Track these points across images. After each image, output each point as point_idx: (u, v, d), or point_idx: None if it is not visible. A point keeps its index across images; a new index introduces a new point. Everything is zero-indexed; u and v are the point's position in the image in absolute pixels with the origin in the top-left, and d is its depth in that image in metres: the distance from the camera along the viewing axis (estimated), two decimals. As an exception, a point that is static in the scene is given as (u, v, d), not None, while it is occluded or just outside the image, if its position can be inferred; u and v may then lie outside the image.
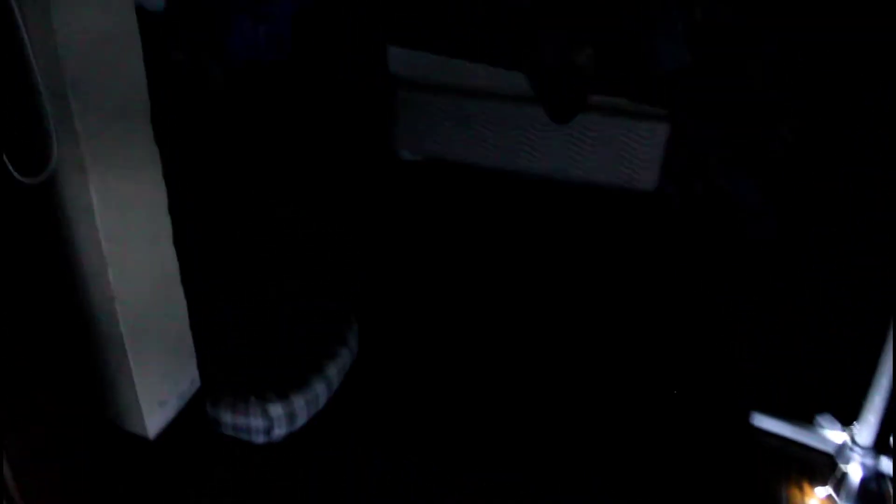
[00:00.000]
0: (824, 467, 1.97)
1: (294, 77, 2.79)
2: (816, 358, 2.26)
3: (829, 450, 2.01)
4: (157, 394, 1.82)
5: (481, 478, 1.93)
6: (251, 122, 2.68)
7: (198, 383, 1.97)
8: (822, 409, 2.07)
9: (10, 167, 1.37)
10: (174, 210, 1.80)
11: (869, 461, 1.95)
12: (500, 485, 1.92)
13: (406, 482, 1.92)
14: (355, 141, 2.94)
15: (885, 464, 1.92)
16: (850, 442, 1.98)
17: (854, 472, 1.94)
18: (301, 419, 2.04)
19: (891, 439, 1.97)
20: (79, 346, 1.67)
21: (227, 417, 1.99)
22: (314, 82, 2.83)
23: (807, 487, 1.95)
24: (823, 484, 1.94)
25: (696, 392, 2.22)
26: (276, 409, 1.99)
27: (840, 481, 1.94)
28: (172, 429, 1.86)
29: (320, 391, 2.08)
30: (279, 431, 2.01)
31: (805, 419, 2.06)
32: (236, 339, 2.13)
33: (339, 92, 2.88)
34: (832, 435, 2.00)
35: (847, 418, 2.00)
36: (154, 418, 1.82)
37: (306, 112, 2.80)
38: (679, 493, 1.95)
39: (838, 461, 1.99)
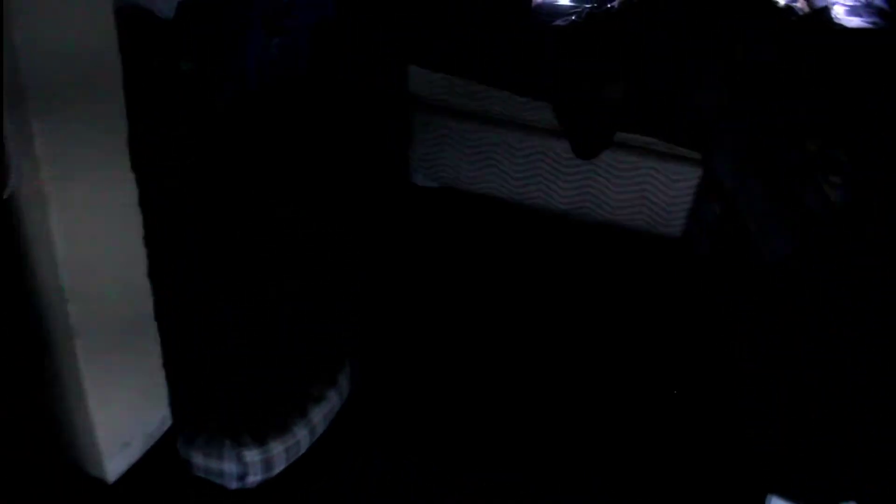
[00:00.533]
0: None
1: (308, 92, 2.65)
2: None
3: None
4: (120, 434, 1.69)
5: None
6: (259, 139, 2.54)
7: (168, 422, 1.83)
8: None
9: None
10: (151, 239, 1.67)
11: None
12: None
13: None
14: (367, 162, 2.80)
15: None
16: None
17: None
18: (279, 466, 1.90)
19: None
20: (33, 381, 1.55)
21: (199, 459, 1.85)
22: (329, 98, 2.69)
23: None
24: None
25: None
26: (252, 455, 1.85)
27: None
28: (136, 472, 1.73)
29: (302, 437, 1.94)
30: (254, 479, 1.87)
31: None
32: (214, 374, 1.99)
33: (355, 110, 2.74)
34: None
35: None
36: (115, 460, 1.69)
37: (318, 130, 2.67)
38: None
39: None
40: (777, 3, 2.58)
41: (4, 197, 1.34)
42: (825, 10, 2.53)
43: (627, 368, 2.29)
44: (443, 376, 2.22)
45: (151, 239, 1.65)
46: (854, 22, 2.48)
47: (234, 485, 1.87)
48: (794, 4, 2.62)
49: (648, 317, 2.46)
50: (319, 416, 2.00)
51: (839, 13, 2.60)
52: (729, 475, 1.98)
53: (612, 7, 2.62)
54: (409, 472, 1.94)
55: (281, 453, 1.90)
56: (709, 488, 1.96)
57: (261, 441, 1.87)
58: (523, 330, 2.38)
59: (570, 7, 2.68)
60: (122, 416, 1.69)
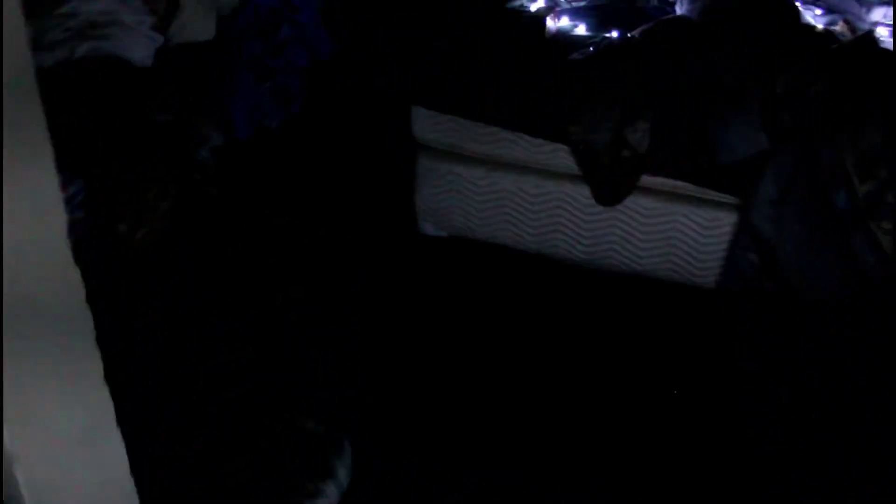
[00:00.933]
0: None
1: (302, 138, 2.43)
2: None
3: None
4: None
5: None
6: (247, 189, 2.33)
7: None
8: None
9: None
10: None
11: None
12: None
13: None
14: (368, 211, 2.57)
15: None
16: None
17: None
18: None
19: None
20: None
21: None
22: (324, 144, 2.47)
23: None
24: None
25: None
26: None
27: None
28: None
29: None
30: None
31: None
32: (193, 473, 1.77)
33: (353, 155, 2.52)
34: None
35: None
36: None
37: (313, 178, 2.45)
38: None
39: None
40: (816, 28, 2.34)
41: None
42: (870, 34, 2.28)
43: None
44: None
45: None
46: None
47: None
48: (833, 29, 2.38)
49: (675, 367, 2.27)
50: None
51: (883, 35, 2.37)
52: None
53: (632, 37, 2.40)
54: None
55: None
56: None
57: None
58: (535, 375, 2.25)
59: (587, 38, 2.46)
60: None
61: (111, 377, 1.72)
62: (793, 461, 1.98)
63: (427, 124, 2.49)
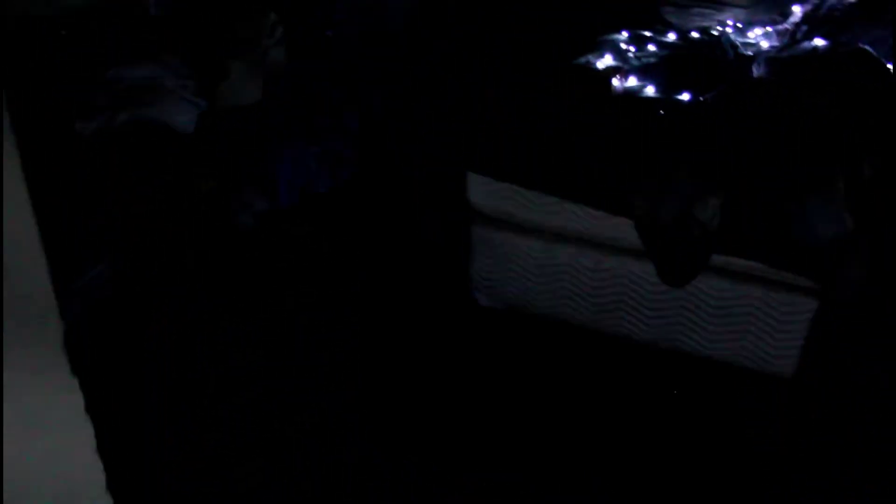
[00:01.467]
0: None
1: (352, 203, 2.32)
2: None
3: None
4: None
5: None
6: (291, 256, 2.22)
7: None
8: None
9: None
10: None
11: None
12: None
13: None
14: (421, 280, 2.43)
15: None
16: None
17: None
18: None
19: None
20: None
21: None
22: (375, 210, 2.35)
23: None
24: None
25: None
26: None
27: None
28: None
29: None
30: None
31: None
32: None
33: (405, 222, 2.39)
34: None
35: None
36: None
37: (362, 246, 2.32)
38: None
39: None
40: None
41: None
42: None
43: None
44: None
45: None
46: None
47: None
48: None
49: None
50: None
51: None
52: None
53: (705, 100, 2.23)
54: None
55: None
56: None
57: None
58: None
59: (656, 100, 2.29)
60: None
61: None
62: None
63: (482, 191, 2.35)
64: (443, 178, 2.39)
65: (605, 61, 2.46)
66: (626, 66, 2.45)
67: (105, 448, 1.71)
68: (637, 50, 2.53)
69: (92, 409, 1.30)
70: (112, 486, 1.36)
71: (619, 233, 2.23)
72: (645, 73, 2.42)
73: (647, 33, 2.61)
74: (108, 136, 2.00)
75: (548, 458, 1.98)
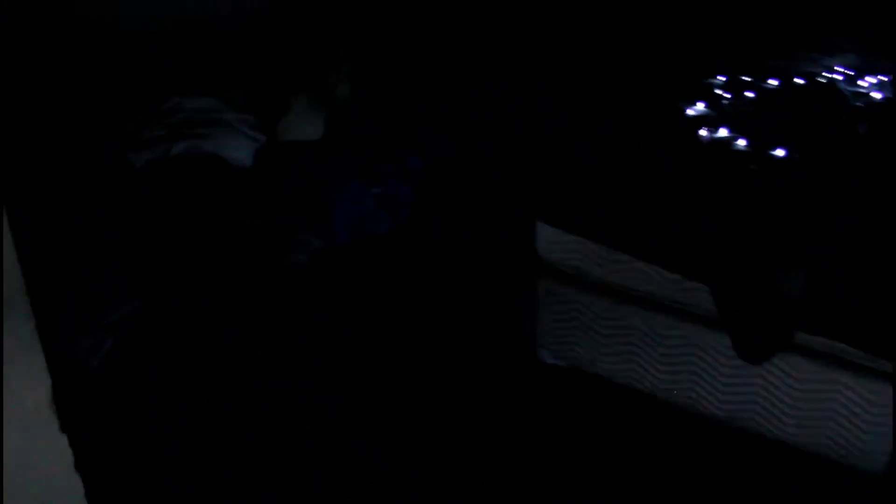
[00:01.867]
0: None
1: (410, 248, 2.21)
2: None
3: None
4: None
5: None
6: (344, 297, 2.13)
7: None
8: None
9: None
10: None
11: None
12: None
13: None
14: (481, 331, 2.30)
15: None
16: None
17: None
18: None
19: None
20: None
21: None
22: (434, 256, 2.24)
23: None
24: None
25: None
26: None
27: None
28: None
29: None
30: None
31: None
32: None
33: (467, 269, 2.27)
34: None
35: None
36: None
37: (419, 291, 2.22)
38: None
39: None
40: None
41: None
42: None
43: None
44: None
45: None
46: None
47: None
48: None
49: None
50: None
51: None
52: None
53: (802, 157, 2.04)
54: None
55: None
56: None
57: None
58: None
59: (747, 154, 2.11)
60: None
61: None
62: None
63: (551, 242, 2.20)
64: (510, 227, 2.25)
65: (697, 109, 2.29)
66: (718, 115, 2.27)
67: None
68: (733, 97, 2.35)
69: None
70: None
71: (694, 298, 2.05)
72: (738, 123, 2.24)
73: (746, 78, 2.41)
74: (162, 168, 1.94)
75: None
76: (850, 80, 2.38)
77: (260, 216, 2.02)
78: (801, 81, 2.36)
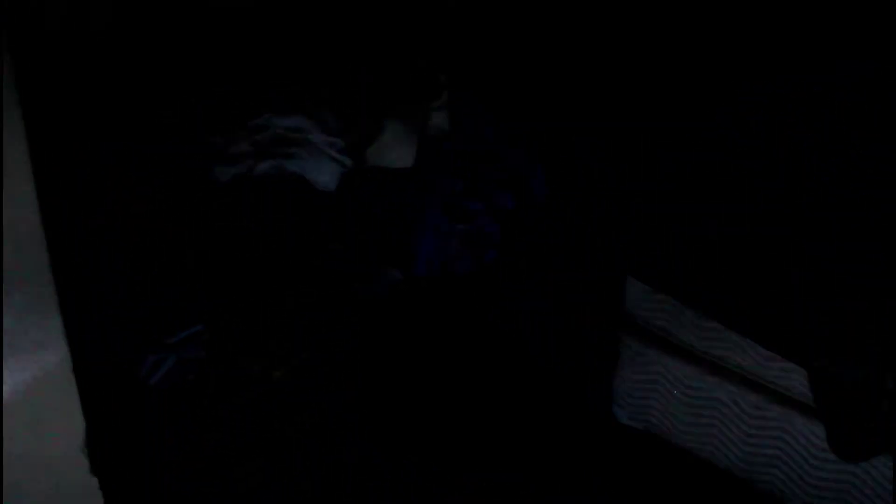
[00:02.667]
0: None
1: (489, 287, 2.12)
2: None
3: None
4: None
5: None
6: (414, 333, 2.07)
7: None
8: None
9: None
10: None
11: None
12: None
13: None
14: (558, 384, 2.20)
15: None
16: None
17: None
18: None
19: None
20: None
21: None
22: (515, 299, 2.14)
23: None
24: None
25: None
26: None
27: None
28: None
29: None
30: None
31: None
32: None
33: (547, 316, 2.17)
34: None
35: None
36: None
37: (498, 333, 2.12)
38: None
39: None
40: None
41: None
42: None
43: None
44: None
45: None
46: None
47: None
48: None
49: None
50: None
51: None
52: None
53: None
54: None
55: None
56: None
57: None
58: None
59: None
60: None
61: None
62: None
63: (639, 298, 2.08)
64: (598, 278, 2.14)
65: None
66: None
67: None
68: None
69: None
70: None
71: (788, 380, 1.91)
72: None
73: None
74: (244, 185, 1.89)
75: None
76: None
77: (339, 243, 1.95)
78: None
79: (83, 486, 1.64)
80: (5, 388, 1.45)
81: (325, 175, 1.94)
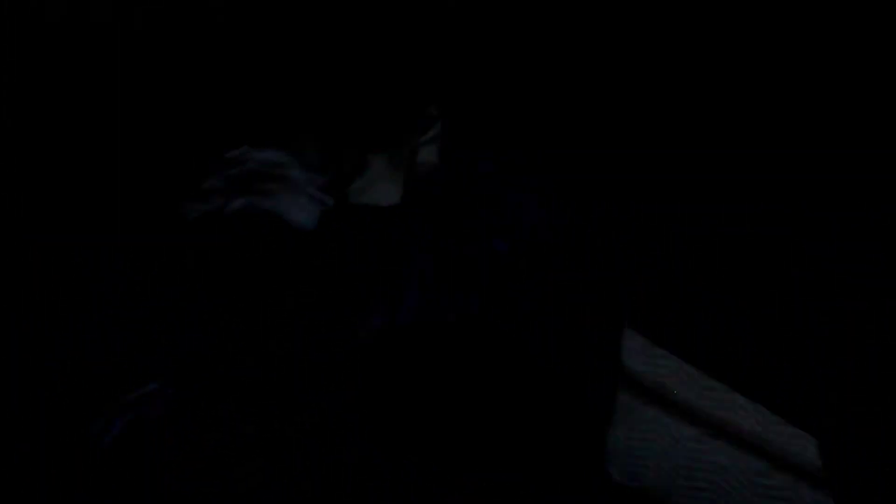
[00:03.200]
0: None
1: (479, 336, 1.99)
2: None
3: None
4: None
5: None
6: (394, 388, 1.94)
7: None
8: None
9: None
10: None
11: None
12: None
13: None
14: (546, 437, 2.08)
15: None
16: None
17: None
18: None
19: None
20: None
21: None
22: (509, 348, 2.02)
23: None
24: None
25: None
26: None
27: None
28: None
29: None
30: None
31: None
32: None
33: (535, 368, 2.05)
34: None
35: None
36: None
37: (488, 384, 2.00)
38: None
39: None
40: None
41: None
42: None
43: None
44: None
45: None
46: None
47: None
48: None
49: None
50: None
51: None
52: None
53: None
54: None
55: None
56: None
57: None
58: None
59: None
60: None
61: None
62: None
63: (639, 353, 1.95)
64: (597, 327, 2.02)
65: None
66: None
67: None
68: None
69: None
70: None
71: (797, 447, 1.80)
72: None
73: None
74: (215, 224, 1.74)
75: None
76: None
77: (318, 287, 1.81)
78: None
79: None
80: None
81: (302, 214, 1.80)
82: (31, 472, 1.76)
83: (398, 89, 1.95)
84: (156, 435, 1.79)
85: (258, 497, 1.83)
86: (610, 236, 2.10)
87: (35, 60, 2.07)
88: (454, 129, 2.06)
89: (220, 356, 1.90)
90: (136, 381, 1.78)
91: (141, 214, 1.88)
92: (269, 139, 1.80)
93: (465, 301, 1.94)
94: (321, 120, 1.86)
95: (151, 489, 1.81)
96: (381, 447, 1.92)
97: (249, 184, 1.76)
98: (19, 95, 2.04)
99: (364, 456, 1.91)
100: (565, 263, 2.06)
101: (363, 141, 1.89)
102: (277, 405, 1.91)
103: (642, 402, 1.97)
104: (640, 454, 2.02)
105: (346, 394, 1.97)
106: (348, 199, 1.88)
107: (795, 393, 1.85)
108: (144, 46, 2.07)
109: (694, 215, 2.13)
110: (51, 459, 1.78)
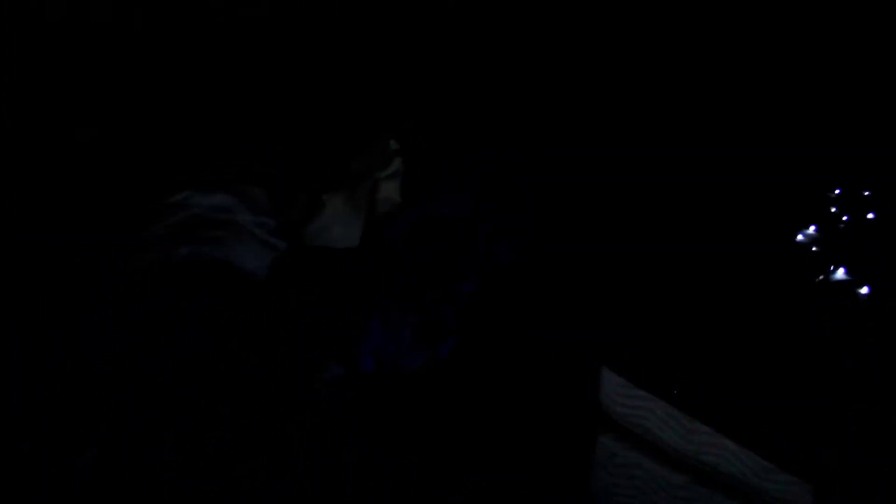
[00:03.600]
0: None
1: (447, 383, 1.92)
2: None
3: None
4: None
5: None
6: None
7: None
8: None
9: None
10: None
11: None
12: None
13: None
14: (528, 484, 2.01)
15: None
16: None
17: None
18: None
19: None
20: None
21: None
22: (479, 394, 1.94)
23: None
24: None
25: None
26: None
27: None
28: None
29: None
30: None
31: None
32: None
33: (513, 409, 1.97)
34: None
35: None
36: None
37: (457, 432, 1.93)
38: None
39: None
40: None
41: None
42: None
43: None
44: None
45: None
46: None
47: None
48: None
49: None
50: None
51: None
52: None
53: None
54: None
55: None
56: None
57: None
58: None
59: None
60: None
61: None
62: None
63: (618, 394, 1.84)
64: (572, 371, 1.92)
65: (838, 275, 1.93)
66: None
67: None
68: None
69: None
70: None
71: (789, 494, 1.70)
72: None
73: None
74: (160, 276, 1.67)
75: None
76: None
77: (273, 336, 1.73)
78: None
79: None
80: None
81: (253, 261, 1.71)
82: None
83: (357, 119, 1.85)
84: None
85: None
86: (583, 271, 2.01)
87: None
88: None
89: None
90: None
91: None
92: (214, 183, 1.70)
93: (433, 348, 1.84)
94: (268, 157, 1.76)
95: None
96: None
97: (194, 231, 1.67)
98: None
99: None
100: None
101: (319, 180, 1.78)
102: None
103: (623, 446, 1.86)
104: (621, 499, 1.91)
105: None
106: (303, 242, 1.78)
107: (788, 439, 1.73)
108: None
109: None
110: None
